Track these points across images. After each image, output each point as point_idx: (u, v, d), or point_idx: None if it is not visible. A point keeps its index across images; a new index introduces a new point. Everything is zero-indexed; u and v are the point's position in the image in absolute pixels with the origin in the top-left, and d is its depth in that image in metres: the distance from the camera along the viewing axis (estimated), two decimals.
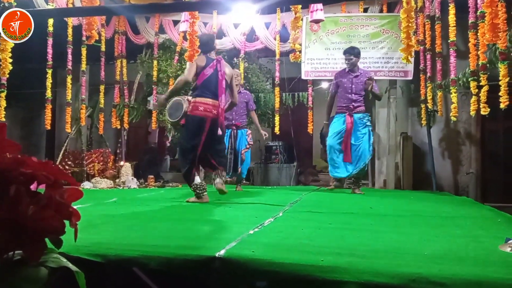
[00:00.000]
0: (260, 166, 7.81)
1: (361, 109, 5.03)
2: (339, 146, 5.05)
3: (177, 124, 4.09)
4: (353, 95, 5.01)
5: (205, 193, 3.91)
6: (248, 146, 5.59)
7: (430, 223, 2.75)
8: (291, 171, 7.67)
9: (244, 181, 6.12)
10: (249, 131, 5.71)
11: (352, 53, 5.06)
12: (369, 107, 5.23)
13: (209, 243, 1.90)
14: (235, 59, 7.26)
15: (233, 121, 5.52)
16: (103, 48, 7.35)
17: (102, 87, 7.53)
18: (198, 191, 3.89)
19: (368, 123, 5.03)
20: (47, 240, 1.29)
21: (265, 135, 5.80)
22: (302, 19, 6.35)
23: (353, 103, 5.01)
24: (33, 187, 1.27)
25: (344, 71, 5.18)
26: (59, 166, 6.76)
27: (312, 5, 5.56)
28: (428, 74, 6.10)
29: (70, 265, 1.35)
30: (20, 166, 1.20)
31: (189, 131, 3.95)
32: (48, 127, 6.53)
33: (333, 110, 5.37)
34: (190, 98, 3.97)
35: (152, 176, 6.76)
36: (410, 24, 4.33)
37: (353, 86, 5.02)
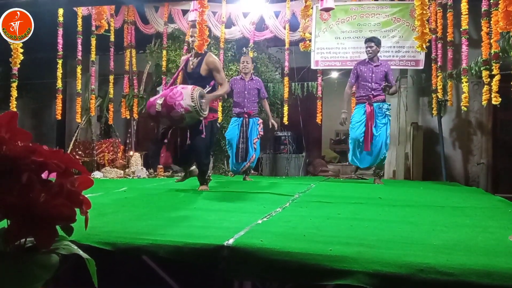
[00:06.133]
0: (268, 156, 7.81)
1: (381, 98, 5.00)
2: (362, 137, 4.99)
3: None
4: (373, 84, 5.00)
5: None
6: (259, 136, 5.56)
7: (439, 213, 2.74)
8: (299, 162, 7.66)
9: (252, 171, 6.11)
10: (261, 120, 5.68)
11: (373, 41, 5.05)
12: None
13: (218, 232, 1.91)
14: (244, 48, 7.23)
15: (245, 109, 5.47)
16: (112, 38, 7.36)
17: (111, 77, 7.57)
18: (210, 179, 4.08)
19: (388, 112, 5.00)
20: (58, 227, 1.31)
21: (273, 124, 5.75)
22: (312, 8, 6.29)
23: (372, 92, 4.99)
24: (44, 175, 1.28)
25: (364, 61, 5.14)
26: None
27: None
28: (439, 63, 6.02)
29: (81, 253, 1.37)
30: (31, 154, 1.22)
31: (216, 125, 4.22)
32: (59, 117, 6.59)
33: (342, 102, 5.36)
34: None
35: (161, 166, 6.80)
36: (424, 12, 4.26)
37: (373, 75, 5.00)
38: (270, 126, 5.76)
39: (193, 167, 4.20)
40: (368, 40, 5.09)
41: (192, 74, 4.07)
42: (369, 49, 5.03)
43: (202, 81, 3.96)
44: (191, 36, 4.23)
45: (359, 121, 5.02)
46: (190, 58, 4.13)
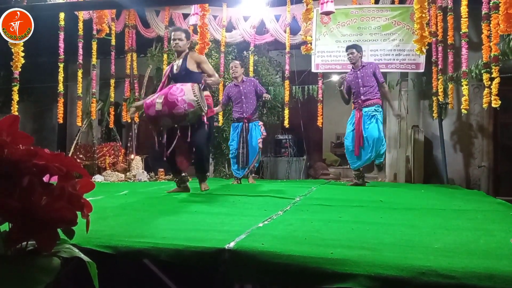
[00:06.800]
0: (269, 159, 7.81)
1: (371, 102, 4.98)
2: (353, 145, 5.08)
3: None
4: (361, 88, 5.02)
5: None
6: (262, 136, 5.57)
7: (440, 216, 2.73)
8: (300, 165, 7.66)
9: (254, 174, 6.10)
10: (261, 123, 5.68)
11: (354, 47, 5.10)
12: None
13: (219, 235, 1.91)
14: (244, 52, 7.25)
15: (244, 114, 5.47)
16: (113, 42, 7.38)
17: (112, 81, 7.58)
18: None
19: (374, 113, 4.95)
20: (59, 230, 1.31)
21: (267, 96, 5.62)
22: (312, 11, 6.29)
23: (361, 97, 5.01)
24: (45, 179, 1.28)
25: (351, 71, 5.19)
26: None
27: None
28: (440, 66, 6.03)
29: (82, 256, 1.37)
30: (33, 157, 1.22)
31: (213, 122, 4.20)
32: (61, 121, 6.60)
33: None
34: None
35: (162, 170, 6.80)
36: (423, 15, 4.26)
37: (360, 80, 5.03)
38: (263, 98, 5.59)
39: (185, 178, 4.13)
40: (349, 47, 5.15)
41: (179, 73, 3.94)
42: (350, 55, 5.08)
43: (191, 78, 3.83)
44: (173, 40, 3.97)
45: (351, 130, 5.10)
46: (174, 63, 4.05)
